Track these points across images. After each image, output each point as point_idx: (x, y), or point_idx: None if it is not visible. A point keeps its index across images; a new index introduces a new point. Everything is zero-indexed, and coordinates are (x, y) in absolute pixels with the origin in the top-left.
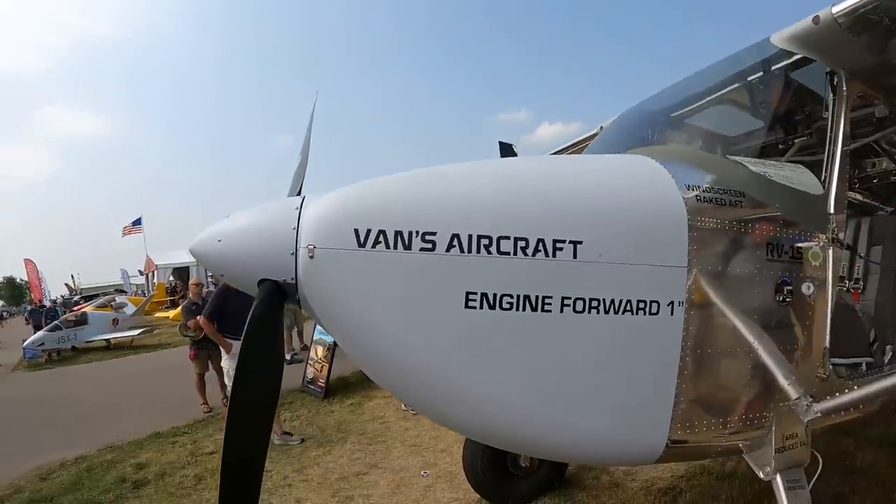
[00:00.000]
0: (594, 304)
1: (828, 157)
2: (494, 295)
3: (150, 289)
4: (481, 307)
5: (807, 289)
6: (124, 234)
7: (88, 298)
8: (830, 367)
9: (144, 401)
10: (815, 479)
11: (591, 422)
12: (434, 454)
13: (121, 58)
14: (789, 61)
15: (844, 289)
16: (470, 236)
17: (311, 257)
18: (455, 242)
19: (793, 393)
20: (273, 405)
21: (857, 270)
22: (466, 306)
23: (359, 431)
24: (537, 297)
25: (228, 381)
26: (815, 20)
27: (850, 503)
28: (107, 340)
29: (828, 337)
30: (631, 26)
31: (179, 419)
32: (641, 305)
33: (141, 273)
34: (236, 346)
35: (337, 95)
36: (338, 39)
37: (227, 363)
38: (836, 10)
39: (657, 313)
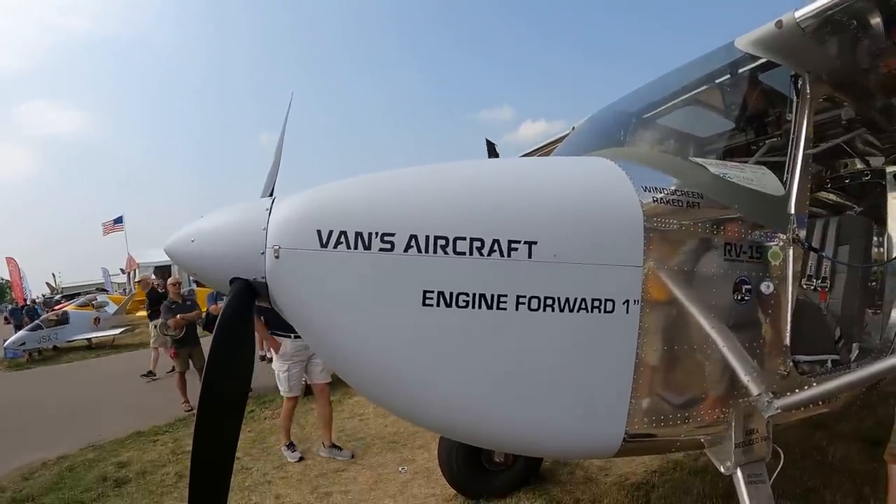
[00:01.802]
0: (549, 302)
1: (790, 159)
2: (451, 293)
3: (132, 287)
4: (438, 305)
5: (766, 288)
6: (105, 233)
7: (70, 297)
8: (791, 364)
9: (126, 400)
10: (776, 473)
11: (548, 416)
12: (412, 450)
13: (101, 53)
14: (755, 64)
15: (812, 287)
16: (427, 237)
17: (277, 257)
18: (413, 243)
19: (754, 389)
20: (242, 404)
21: (825, 269)
22: (424, 304)
23: (338, 428)
24: (493, 296)
25: (279, 384)
26: (778, 24)
27: (821, 497)
28: (88, 340)
29: (788, 335)
30: (615, 25)
31: (160, 418)
32: (597, 304)
33: (123, 272)
34: (287, 343)
35: (312, 91)
36: (315, 33)
37: (277, 364)
38: (798, 14)
39: (612, 311)
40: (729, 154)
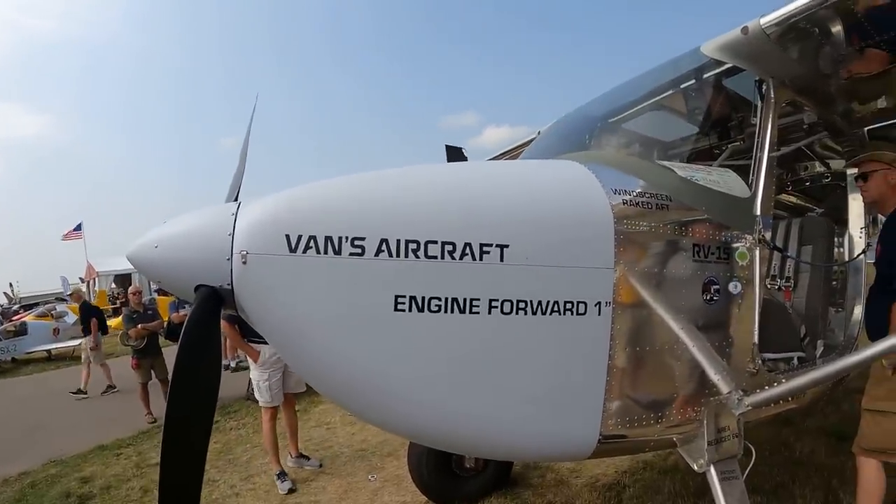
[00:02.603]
0: (521, 305)
1: (755, 162)
2: (423, 297)
3: (92, 297)
4: (410, 310)
5: (734, 287)
6: (64, 240)
7: (28, 307)
8: (760, 361)
9: (88, 412)
10: (749, 469)
11: (524, 420)
12: (381, 458)
13: (66, 55)
14: (721, 69)
15: (776, 287)
16: (398, 241)
17: (245, 263)
18: (384, 247)
19: (724, 387)
20: (211, 414)
21: (788, 269)
22: (396, 309)
23: (305, 438)
24: (465, 300)
25: (259, 395)
26: (744, 31)
27: (791, 492)
28: (48, 351)
29: (756, 333)
30: (581, 26)
31: (124, 430)
32: (569, 306)
33: (82, 280)
34: (265, 350)
35: (269, 99)
36: (274, 36)
37: (256, 373)
38: (764, 21)
39: (584, 313)
40: (694, 157)
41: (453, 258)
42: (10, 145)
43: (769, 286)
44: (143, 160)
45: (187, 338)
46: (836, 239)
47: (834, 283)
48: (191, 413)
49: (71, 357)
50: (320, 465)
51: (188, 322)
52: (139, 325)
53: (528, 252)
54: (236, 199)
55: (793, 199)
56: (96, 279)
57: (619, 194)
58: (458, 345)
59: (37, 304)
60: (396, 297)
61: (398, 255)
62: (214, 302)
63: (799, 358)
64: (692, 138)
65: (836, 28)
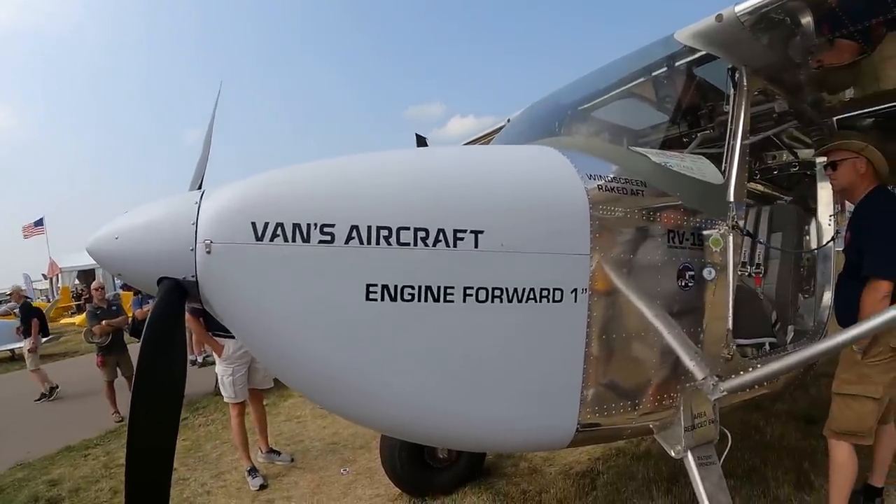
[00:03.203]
0: (497, 293)
1: (728, 149)
2: (395, 286)
3: (55, 293)
4: (382, 299)
5: (708, 273)
6: (26, 236)
7: None
8: (734, 347)
9: (53, 413)
10: (725, 453)
11: (500, 410)
12: (353, 451)
13: (29, 47)
14: (693, 57)
15: (747, 273)
16: (369, 228)
17: (209, 253)
18: (354, 234)
19: (699, 373)
20: (177, 411)
21: (759, 256)
22: (367, 298)
23: (275, 432)
24: (439, 288)
25: (223, 390)
26: (719, 18)
27: (763, 474)
28: (10, 351)
29: (730, 319)
30: (549, 17)
31: (90, 430)
32: (545, 293)
33: (45, 277)
34: (230, 345)
35: (229, 87)
36: (233, 21)
37: (220, 368)
38: (739, 8)
39: (561, 300)
40: (665, 145)
41: (426, 245)
42: None
43: (740, 273)
44: (107, 154)
45: (151, 332)
46: (805, 227)
47: (802, 269)
48: (156, 411)
49: None
50: (292, 460)
51: (151, 316)
52: (103, 322)
53: (503, 238)
54: (200, 188)
55: (760, 187)
56: (59, 275)
57: (594, 180)
58: (433, 334)
59: (0, 303)
60: (368, 285)
61: (369, 243)
62: (178, 295)
63: (770, 344)
64: (663, 126)
65: (809, 17)
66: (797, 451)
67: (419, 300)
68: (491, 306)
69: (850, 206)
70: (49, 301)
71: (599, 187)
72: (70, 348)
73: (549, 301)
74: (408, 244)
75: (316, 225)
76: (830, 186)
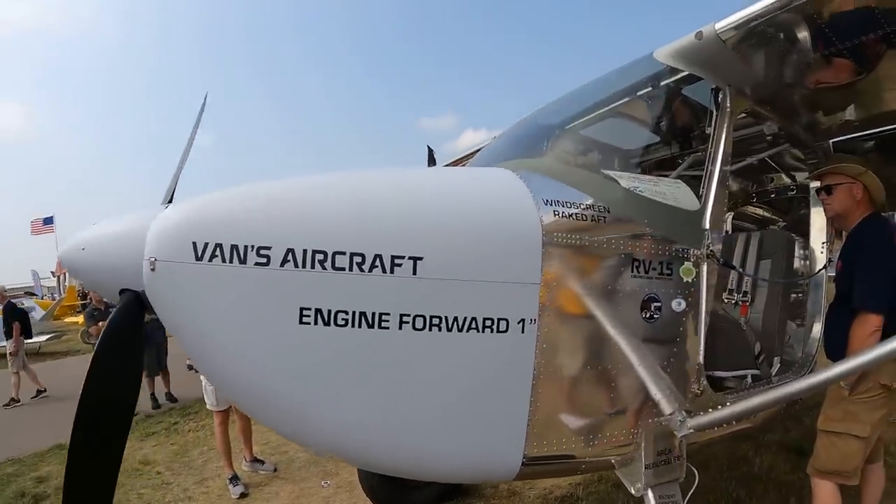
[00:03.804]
0: (435, 321)
1: (706, 174)
2: (329, 311)
3: (62, 292)
4: (316, 323)
5: (678, 305)
6: (34, 233)
7: None
8: (705, 382)
9: (48, 410)
10: (690, 493)
11: (441, 439)
12: (334, 464)
13: (40, 46)
14: (677, 77)
15: (733, 301)
16: (304, 251)
17: (153, 270)
18: (289, 257)
19: (666, 408)
20: (126, 424)
21: (746, 283)
22: (301, 322)
23: (261, 441)
24: (374, 314)
25: (206, 397)
26: (698, 36)
27: None
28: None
29: (702, 353)
30: (560, 30)
31: None
32: (488, 323)
33: (53, 275)
34: None
35: (244, 98)
36: (241, 38)
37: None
38: (719, 25)
39: (506, 331)
40: (651, 167)
41: (362, 270)
42: None
43: (726, 300)
44: (119, 153)
45: (105, 341)
46: (796, 253)
47: (795, 297)
48: (104, 421)
49: (37, 354)
50: (275, 470)
51: (108, 325)
52: (100, 323)
53: (443, 265)
54: (171, 201)
55: (760, 211)
56: (66, 274)
57: (551, 205)
58: (368, 360)
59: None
60: (302, 309)
61: (304, 266)
62: (138, 306)
63: (753, 376)
64: (646, 148)
65: (795, 35)
66: (785, 484)
67: (353, 326)
68: (429, 335)
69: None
70: (54, 299)
71: (556, 213)
72: (72, 347)
73: (492, 331)
74: (343, 269)
75: (253, 247)
76: (824, 212)
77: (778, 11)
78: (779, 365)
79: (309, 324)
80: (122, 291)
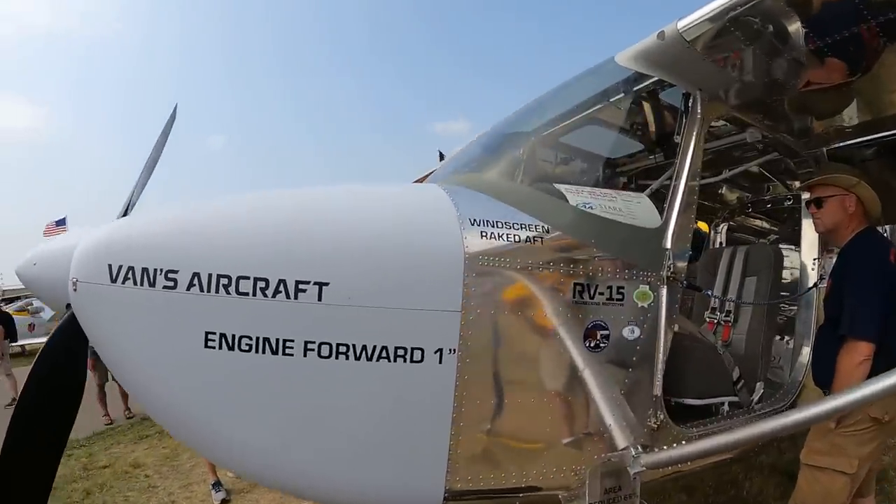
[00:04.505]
0: (342, 349)
1: (672, 187)
2: (233, 336)
3: None
4: (220, 348)
5: (630, 332)
6: (46, 235)
7: (10, 301)
8: (662, 416)
9: None
10: None
11: (351, 470)
12: None
13: (63, 48)
14: (649, 82)
15: (715, 321)
16: (210, 275)
17: (76, 290)
18: (195, 281)
19: (617, 443)
20: (61, 441)
21: (728, 303)
22: (206, 346)
23: None
24: (278, 340)
25: None
26: (661, 36)
27: None
28: (22, 347)
29: (659, 383)
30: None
31: (79, 431)
32: (401, 353)
33: None
34: None
35: (249, 99)
36: (270, 39)
37: None
38: (682, 24)
39: (421, 361)
40: (615, 181)
41: (265, 295)
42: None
43: (708, 318)
44: (132, 156)
45: (45, 355)
46: (786, 269)
47: (783, 316)
48: (36, 436)
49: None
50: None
51: (49, 339)
52: None
53: (352, 290)
54: (126, 214)
55: (758, 222)
56: None
57: (478, 225)
58: (272, 387)
59: (18, 298)
60: (207, 333)
61: (209, 291)
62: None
63: (731, 403)
64: (606, 161)
65: (770, 31)
66: None
67: (256, 351)
68: (335, 363)
69: None
70: None
71: (483, 234)
72: None
73: (405, 361)
74: (247, 294)
75: (161, 270)
76: (814, 227)
77: (742, 7)
78: (762, 391)
79: (214, 348)
80: (67, 306)
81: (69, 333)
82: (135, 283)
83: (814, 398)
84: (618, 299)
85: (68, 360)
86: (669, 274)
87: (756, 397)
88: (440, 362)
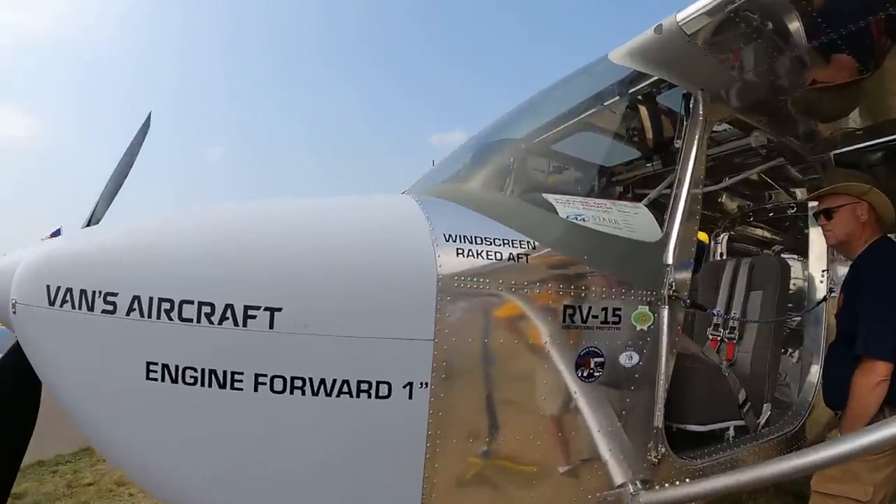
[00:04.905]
0: (298, 383)
1: (673, 196)
2: (176, 366)
3: None
4: (163, 380)
5: (628, 359)
6: None
7: None
8: (664, 449)
9: (39, 425)
10: None
11: None
12: None
13: (62, 57)
14: (648, 81)
15: (719, 338)
16: (151, 299)
17: (15, 313)
18: (136, 305)
19: (614, 479)
20: (16, 460)
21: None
22: (148, 377)
23: None
24: (225, 372)
25: None
26: (658, 30)
27: None
28: None
29: (660, 414)
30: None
31: (66, 446)
32: (364, 387)
33: None
34: None
35: (247, 111)
36: (258, 44)
37: None
38: (681, 16)
39: (388, 396)
40: (610, 190)
41: (210, 322)
42: None
43: (711, 336)
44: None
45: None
46: (793, 282)
47: (791, 332)
48: None
49: None
50: None
51: (5, 354)
52: None
53: (307, 318)
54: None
55: (759, 232)
56: None
57: (454, 241)
58: (219, 425)
59: None
60: (148, 363)
61: (150, 316)
62: None
63: (737, 427)
64: (600, 169)
65: (779, 24)
66: None
67: (202, 384)
68: (290, 398)
69: None
70: None
71: (459, 251)
72: None
73: (370, 396)
74: (190, 320)
75: (100, 293)
76: (825, 239)
77: None
78: (769, 413)
79: (156, 380)
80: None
81: (20, 354)
82: (73, 307)
83: (824, 421)
84: (614, 322)
85: (17, 380)
86: (671, 292)
87: (763, 420)
88: (410, 397)
